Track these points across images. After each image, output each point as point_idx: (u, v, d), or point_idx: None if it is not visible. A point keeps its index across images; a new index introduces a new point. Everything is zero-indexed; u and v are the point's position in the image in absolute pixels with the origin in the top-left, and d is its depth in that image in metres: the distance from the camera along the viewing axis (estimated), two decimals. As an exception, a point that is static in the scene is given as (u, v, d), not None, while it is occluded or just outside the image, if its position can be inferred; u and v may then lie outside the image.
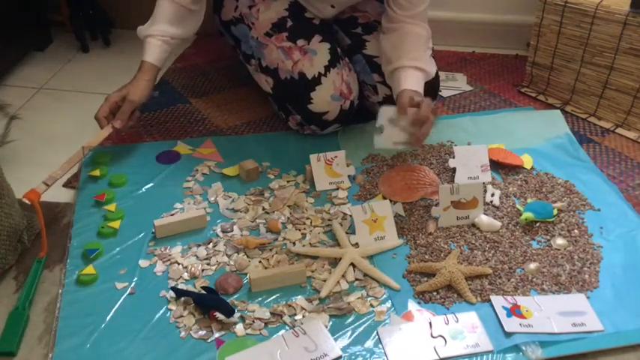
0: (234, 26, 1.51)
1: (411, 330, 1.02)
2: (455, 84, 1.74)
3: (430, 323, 1.03)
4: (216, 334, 1.02)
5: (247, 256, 1.17)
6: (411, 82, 1.31)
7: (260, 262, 1.15)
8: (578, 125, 1.57)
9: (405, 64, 1.33)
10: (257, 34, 1.45)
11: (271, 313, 1.05)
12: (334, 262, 1.15)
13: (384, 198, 1.28)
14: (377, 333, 1.02)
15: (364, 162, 1.42)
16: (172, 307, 1.06)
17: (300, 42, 1.41)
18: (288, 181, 1.36)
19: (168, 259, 1.16)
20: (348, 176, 1.36)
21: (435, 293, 1.09)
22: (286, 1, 1.45)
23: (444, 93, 1.69)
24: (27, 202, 1.19)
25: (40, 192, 1.21)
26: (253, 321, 1.04)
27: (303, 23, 1.44)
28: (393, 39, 1.37)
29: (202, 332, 1.02)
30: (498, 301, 1.06)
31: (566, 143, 1.47)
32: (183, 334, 1.02)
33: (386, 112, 1.25)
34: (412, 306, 1.07)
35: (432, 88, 1.48)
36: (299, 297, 1.08)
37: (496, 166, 1.38)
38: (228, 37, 1.56)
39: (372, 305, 1.07)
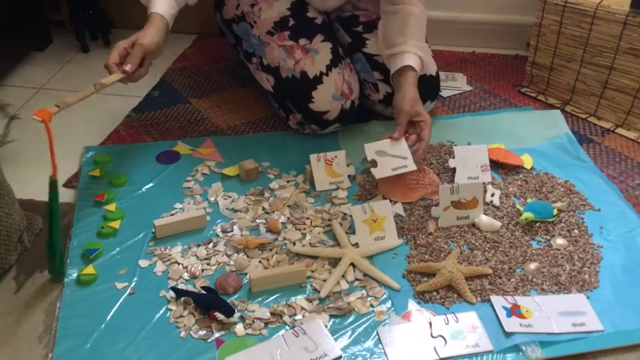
0: (235, 24, 1.51)
1: (411, 330, 1.02)
2: (455, 84, 1.74)
3: (430, 323, 1.03)
4: (216, 334, 1.02)
5: (247, 256, 1.17)
6: (416, 62, 1.35)
7: (260, 262, 1.15)
8: (578, 125, 1.57)
9: (409, 49, 1.35)
10: (259, 32, 1.45)
11: (271, 313, 1.05)
12: (334, 262, 1.15)
13: (384, 198, 1.28)
14: (377, 333, 1.02)
15: (364, 162, 1.41)
16: (172, 307, 1.06)
17: (302, 41, 1.41)
18: (288, 181, 1.36)
19: (168, 259, 1.16)
20: (348, 176, 1.36)
21: (435, 293, 1.09)
22: (288, 0, 1.45)
23: (444, 93, 1.69)
24: (37, 119, 1.14)
25: (51, 112, 1.16)
26: (253, 321, 1.04)
27: (305, 22, 1.44)
28: (395, 22, 1.38)
29: (202, 332, 1.02)
30: (498, 301, 1.06)
31: (566, 143, 1.47)
32: (183, 334, 1.02)
33: (372, 147, 1.28)
34: (412, 306, 1.07)
35: (432, 88, 1.48)
36: (299, 297, 1.08)
37: (496, 166, 1.38)
38: (229, 35, 1.56)
39: (372, 305, 1.07)
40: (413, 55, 1.36)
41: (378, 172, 1.27)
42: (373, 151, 1.27)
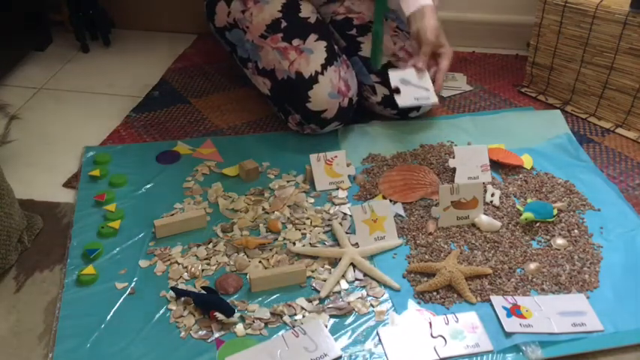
0: (228, 32, 1.51)
1: (411, 330, 1.02)
2: (455, 84, 1.74)
3: (430, 323, 1.03)
4: (216, 334, 1.02)
5: (247, 256, 1.17)
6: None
7: (260, 262, 1.15)
8: (578, 125, 1.57)
9: None
10: (252, 37, 1.45)
11: (271, 313, 1.05)
12: (334, 262, 1.15)
13: (384, 198, 1.28)
14: (377, 333, 1.02)
15: (364, 162, 1.42)
16: (172, 307, 1.06)
17: (296, 42, 1.41)
18: (288, 181, 1.36)
19: (168, 259, 1.16)
20: (348, 176, 1.36)
21: (435, 293, 1.09)
22: (279, 3, 1.44)
23: (444, 93, 1.69)
24: None
25: None
26: (253, 321, 1.04)
27: (298, 23, 1.44)
28: None
29: (202, 332, 1.02)
30: (498, 301, 1.06)
31: (566, 143, 1.47)
32: (183, 334, 1.02)
33: (396, 75, 1.30)
34: (412, 306, 1.07)
35: None
36: (299, 297, 1.08)
37: (496, 166, 1.38)
38: (223, 43, 1.56)
39: (372, 305, 1.07)
40: None
41: (402, 100, 1.28)
42: (398, 79, 1.29)
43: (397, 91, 1.28)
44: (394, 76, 1.30)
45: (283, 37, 1.41)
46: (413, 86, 1.28)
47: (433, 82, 1.35)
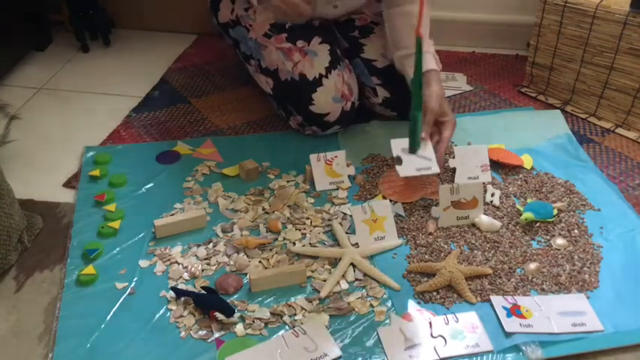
0: (231, 28, 1.51)
1: (411, 330, 1.02)
2: (455, 84, 1.74)
3: (430, 323, 1.03)
4: (216, 334, 1.02)
5: (247, 256, 1.17)
6: (432, 64, 1.32)
7: (260, 262, 1.15)
8: (578, 125, 1.57)
9: (424, 49, 1.29)
10: (255, 35, 1.45)
11: (271, 313, 1.05)
12: (334, 262, 1.15)
13: (384, 198, 1.28)
14: (377, 333, 1.02)
15: (364, 162, 1.42)
16: (172, 307, 1.06)
17: (300, 43, 1.41)
18: (288, 181, 1.36)
19: (168, 259, 1.16)
20: (348, 176, 1.36)
21: (435, 293, 1.09)
22: None
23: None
24: None
25: None
26: (253, 321, 1.04)
27: (302, 24, 1.43)
28: (402, 22, 1.36)
29: (202, 332, 1.02)
30: (498, 301, 1.06)
31: (566, 143, 1.47)
32: (183, 334, 1.02)
33: (398, 144, 1.26)
34: (412, 306, 1.07)
35: None
36: (299, 297, 1.08)
37: (496, 166, 1.38)
38: (227, 38, 1.56)
39: (372, 305, 1.07)
40: (429, 55, 1.33)
41: (403, 171, 1.23)
42: (399, 148, 1.25)
43: (399, 160, 1.25)
44: (396, 146, 1.26)
45: (287, 37, 1.41)
46: (415, 156, 1.23)
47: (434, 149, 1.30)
